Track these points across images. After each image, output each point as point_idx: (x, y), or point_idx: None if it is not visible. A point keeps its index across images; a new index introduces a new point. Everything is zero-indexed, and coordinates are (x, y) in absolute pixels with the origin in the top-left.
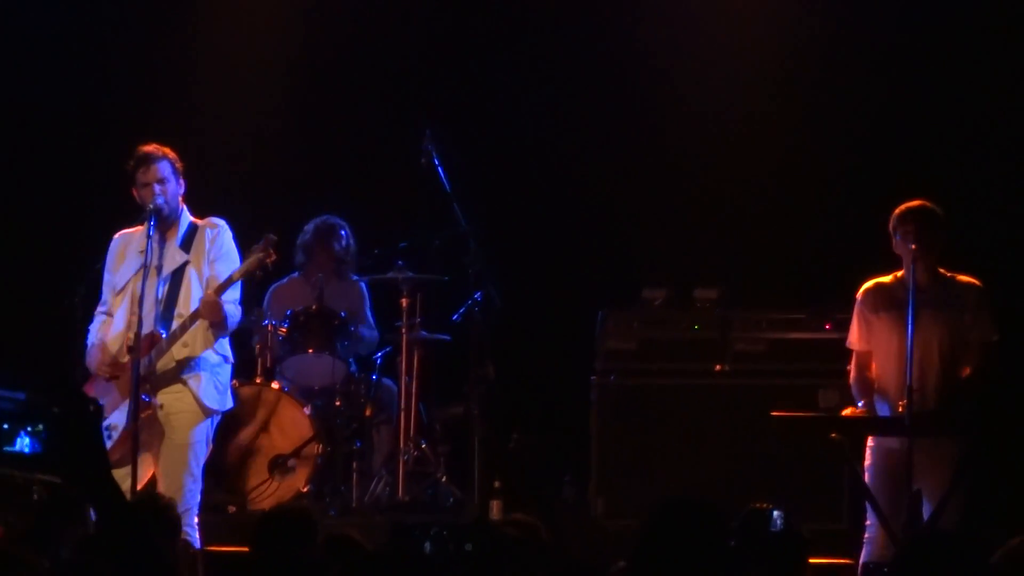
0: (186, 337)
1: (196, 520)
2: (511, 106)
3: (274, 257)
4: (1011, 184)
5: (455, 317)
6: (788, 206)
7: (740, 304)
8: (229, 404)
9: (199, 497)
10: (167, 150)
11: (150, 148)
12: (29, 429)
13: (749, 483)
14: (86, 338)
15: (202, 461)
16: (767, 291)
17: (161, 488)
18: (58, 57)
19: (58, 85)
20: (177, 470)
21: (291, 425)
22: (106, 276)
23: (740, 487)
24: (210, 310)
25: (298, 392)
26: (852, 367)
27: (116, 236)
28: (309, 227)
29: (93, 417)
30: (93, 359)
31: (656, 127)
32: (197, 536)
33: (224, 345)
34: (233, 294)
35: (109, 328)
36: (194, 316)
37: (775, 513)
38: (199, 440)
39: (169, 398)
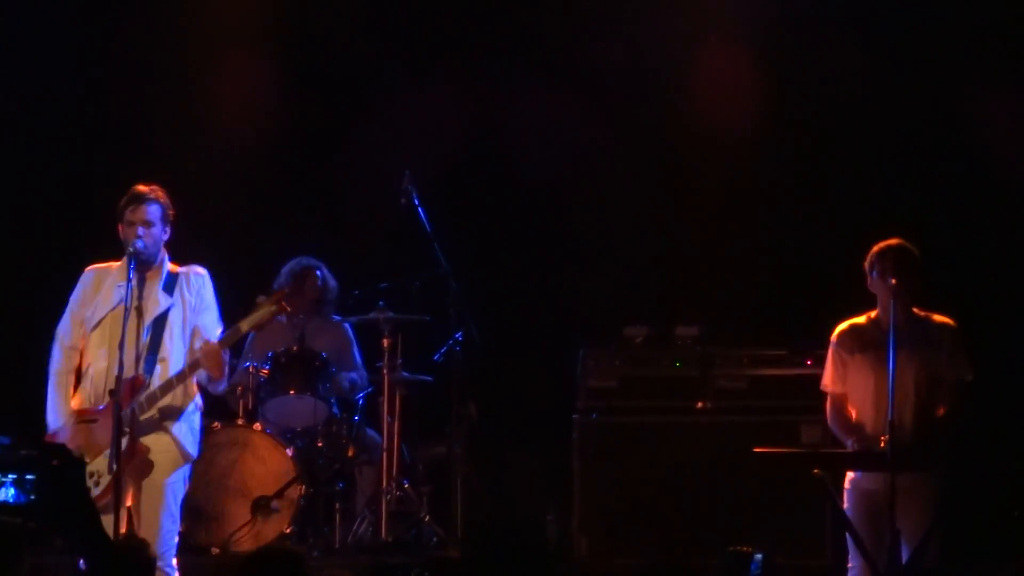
0: (176, 390)
1: (175, 562)
2: (491, 146)
3: (287, 310)
4: (985, 224)
5: (436, 357)
6: (767, 244)
7: (721, 341)
8: (198, 452)
9: (176, 539)
10: (161, 193)
11: (145, 188)
12: (15, 479)
13: (732, 519)
14: (47, 376)
15: (180, 502)
16: (747, 328)
17: (139, 529)
18: (36, 89)
19: (32, 123)
20: (156, 511)
21: (273, 466)
22: (73, 308)
23: (723, 523)
24: (212, 360)
25: (280, 433)
26: (828, 408)
27: (88, 270)
28: (284, 270)
29: (78, 467)
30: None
31: (637, 167)
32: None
33: (195, 391)
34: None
35: (74, 378)
36: (193, 366)
37: (755, 557)
38: (177, 481)
39: (151, 441)
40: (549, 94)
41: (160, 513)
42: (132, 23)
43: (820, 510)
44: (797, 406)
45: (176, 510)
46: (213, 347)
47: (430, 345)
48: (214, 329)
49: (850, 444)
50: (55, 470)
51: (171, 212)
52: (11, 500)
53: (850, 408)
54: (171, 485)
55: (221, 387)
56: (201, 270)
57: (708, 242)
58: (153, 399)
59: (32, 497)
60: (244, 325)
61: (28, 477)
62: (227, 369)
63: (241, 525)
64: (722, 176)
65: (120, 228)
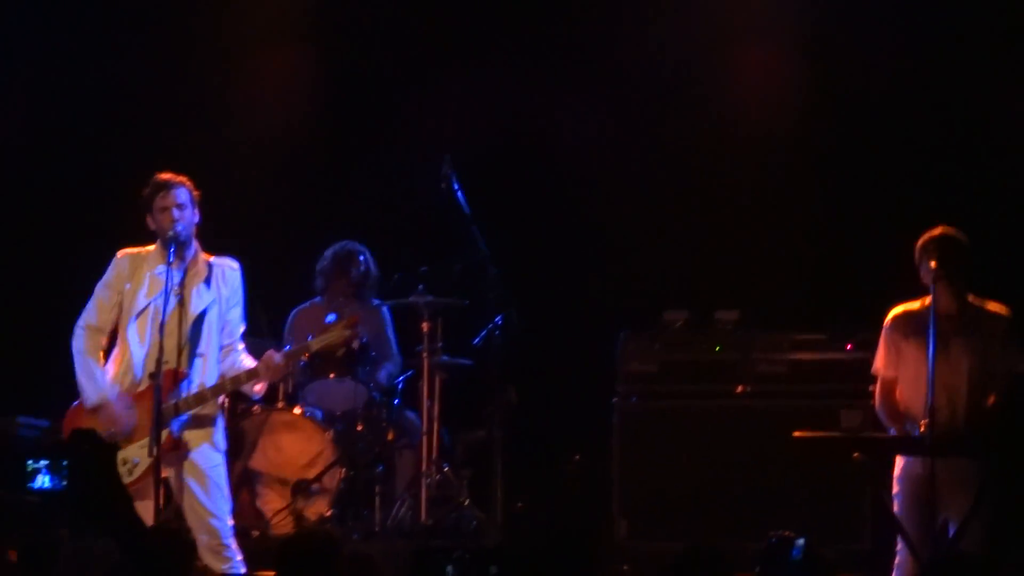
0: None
1: (234, 544)
2: (530, 131)
3: (358, 337)
4: None
5: (476, 341)
6: (809, 227)
7: (761, 325)
8: (225, 445)
9: (231, 521)
10: (184, 178)
11: (167, 175)
12: (50, 465)
13: (771, 504)
14: (73, 358)
15: (226, 482)
16: (788, 312)
17: (190, 515)
18: (66, 79)
19: (64, 115)
20: (204, 492)
21: (313, 450)
22: (102, 290)
23: (762, 508)
24: (273, 374)
25: (320, 417)
26: (877, 393)
27: (121, 254)
28: (328, 253)
29: (108, 452)
30: (108, 412)
31: (676, 150)
32: (239, 558)
33: None
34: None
35: (111, 362)
36: (251, 374)
37: (797, 542)
38: (216, 464)
39: (193, 432)
40: (589, 79)
41: (210, 493)
42: (168, 9)
43: (860, 495)
44: (837, 390)
45: (226, 490)
46: (279, 361)
47: (470, 329)
48: (239, 326)
49: (893, 432)
50: (84, 456)
51: (196, 194)
52: (47, 487)
53: (899, 393)
54: (213, 468)
55: (258, 395)
56: (234, 264)
57: (749, 226)
58: (202, 399)
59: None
60: (314, 344)
61: (63, 463)
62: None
63: (281, 508)
64: (764, 160)
65: (149, 219)
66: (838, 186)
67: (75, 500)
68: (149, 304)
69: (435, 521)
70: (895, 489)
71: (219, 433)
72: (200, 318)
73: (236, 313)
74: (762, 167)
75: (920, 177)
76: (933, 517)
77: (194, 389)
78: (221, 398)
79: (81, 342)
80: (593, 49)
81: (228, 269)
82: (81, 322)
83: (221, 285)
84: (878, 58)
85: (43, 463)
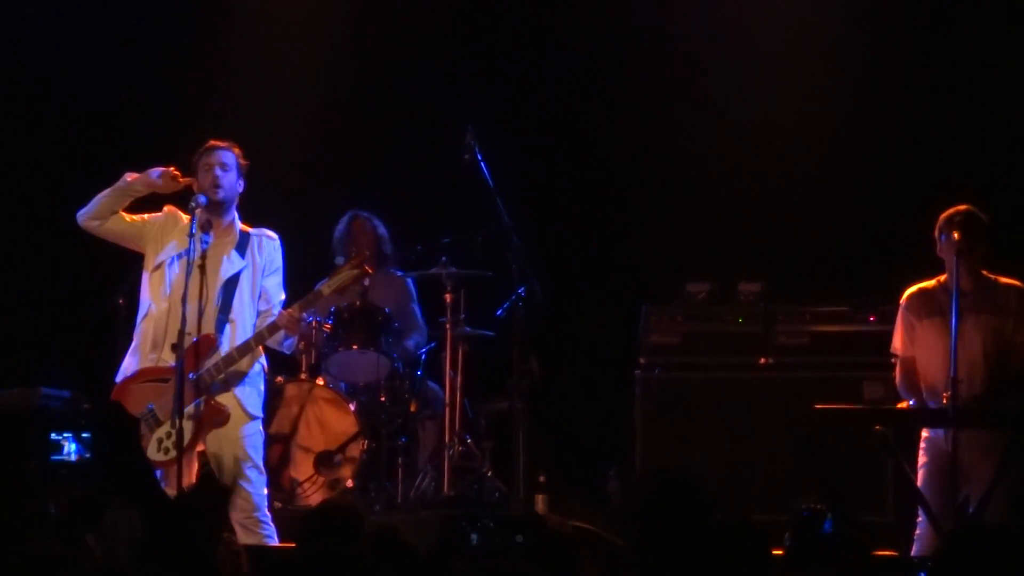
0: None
1: (268, 513)
2: (554, 101)
3: (369, 272)
4: None
5: (499, 312)
6: (832, 199)
7: (783, 297)
8: (262, 413)
9: (266, 490)
10: (236, 147)
11: (220, 141)
12: (74, 436)
13: (793, 475)
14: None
15: (261, 453)
16: (810, 284)
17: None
18: (98, 56)
19: (100, 83)
20: (237, 464)
21: (336, 421)
22: (136, 215)
23: (784, 480)
24: (292, 327)
25: (343, 388)
26: (897, 371)
27: (168, 208)
28: (341, 223)
29: (132, 423)
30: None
31: (700, 122)
32: (273, 531)
33: (261, 353)
34: (279, 295)
35: (136, 335)
36: (272, 328)
37: (828, 515)
38: (252, 433)
39: (222, 400)
40: (613, 51)
41: (243, 466)
42: None
43: (882, 467)
44: (859, 362)
45: (259, 461)
46: (294, 315)
47: (492, 300)
48: (277, 294)
49: (913, 403)
50: (107, 428)
51: (245, 163)
52: (72, 458)
53: (920, 369)
54: (248, 438)
55: (290, 348)
56: (273, 234)
57: (772, 198)
58: (231, 361)
59: (89, 455)
60: (325, 289)
61: (85, 436)
62: (296, 339)
63: (304, 480)
64: (786, 132)
65: (194, 182)
66: (861, 158)
67: (100, 472)
68: (165, 261)
69: (457, 492)
70: (921, 460)
71: (256, 398)
72: (231, 284)
73: (272, 281)
74: (785, 139)
75: (941, 151)
76: (956, 488)
77: (224, 354)
78: (263, 364)
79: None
80: (616, 21)
81: (266, 239)
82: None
83: (256, 254)
84: (905, 30)
85: (67, 435)
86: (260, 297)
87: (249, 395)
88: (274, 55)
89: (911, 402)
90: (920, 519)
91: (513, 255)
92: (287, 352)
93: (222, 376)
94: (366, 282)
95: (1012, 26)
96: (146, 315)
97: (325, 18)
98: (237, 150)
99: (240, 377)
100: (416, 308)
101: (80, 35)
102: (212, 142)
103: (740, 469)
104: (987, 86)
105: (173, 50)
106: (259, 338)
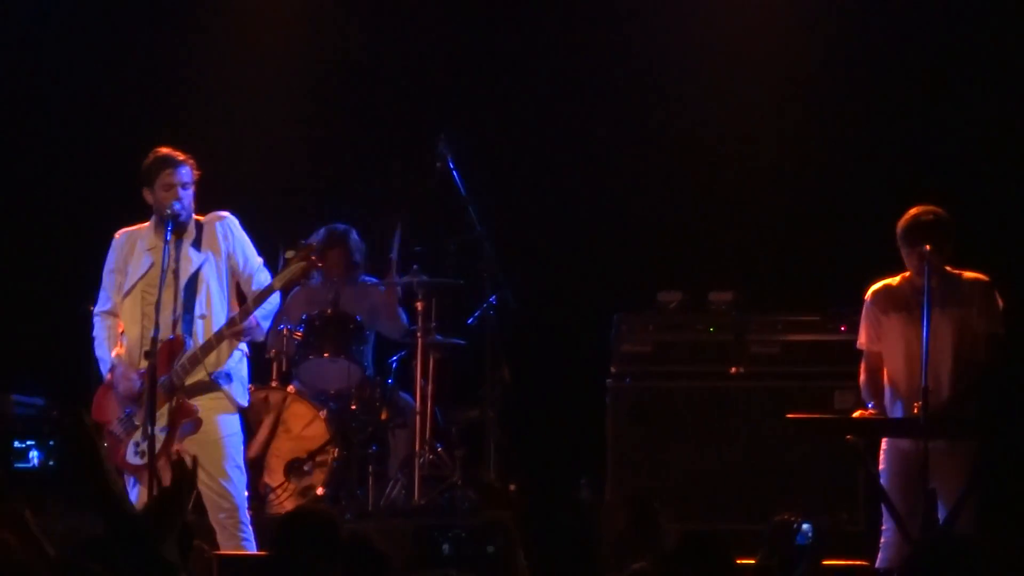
0: (220, 348)
1: (248, 513)
2: (527, 109)
3: (317, 265)
4: (1018, 184)
5: (470, 321)
6: (802, 209)
7: (755, 307)
8: (248, 400)
9: (246, 491)
10: (189, 156)
11: (174, 151)
12: (37, 444)
13: (765, 485)
14: (93, 344)
15: (242, 452)
16: (782, 293)
17: (202, 486)
18: (67, 61)
19: (67, 89)
20: (218, 465)
21: (307, 429)
22: (108, 277)
23: (756, 489)
24: (244, 315)
25: (314, 396)
26: (862, 368)
27: (119, 235)
28: (319, 233)
29: (91, 429)
30: (121, 383)
31: (671, 131)
32: (251, 534)
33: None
34: (273, 302)
35: (119, 337)
36: (231, 322)
37: (804, 526)
38: (233, 433)
39: (203, 401)
40: (585, 59)
41: (224, 465)
42: None
43: (853, 476)
44: (831, 372)
45: (240, 460)
46: (248, 307)
47: (464, 308)
48: (254, 259)
49: (871, 406)
50: (67, 434)
51: (198, 174)
52: (34, 466)
53: (885, 367)
54: (228, 438)
55: (261, 334)
56: (223, 213)
57: (744, 207)
58: (195, 360)
59: (52, 463)
60: (276, 283)
61: (50, 443)
62: (261, 322)
63: (275, 487)
64: (758, 141)
65: (147, 192)
66: (833, 168)
67: (66, 478)
68: (137, 283)
69: (428, 501)
70: (881, 464)
71: (241, 387)
72: (193, 282)
73: (245, 252)
74: (757, 149)
75: (912, 161)
76: (922, 497)
77: (189, 353)
78: (244, 351)
79: (95, 329)
80: (590, 29)
81: (217, 223)
82: (96, 309)
83: (213, 242)
84: (870, 32)
85: (30, 442)
86: (250, 284)
87: (235, 386)
88: (245, 65)
89: (869, 404)
90: (885, 528)
91: (485, 263)
92: (259, 338)
93: (200, 376)
94: (316, 280)
95: (973, 35)
96: (122, 340)
97: (297, 28)
98: (192, 161)
99: (225, 370)
100: (400, 310)
101: (48, 39)
102: (166, 152)
103: (712, 478)
104: (950, 89)
105: (143, 59)
106: (219, 336)
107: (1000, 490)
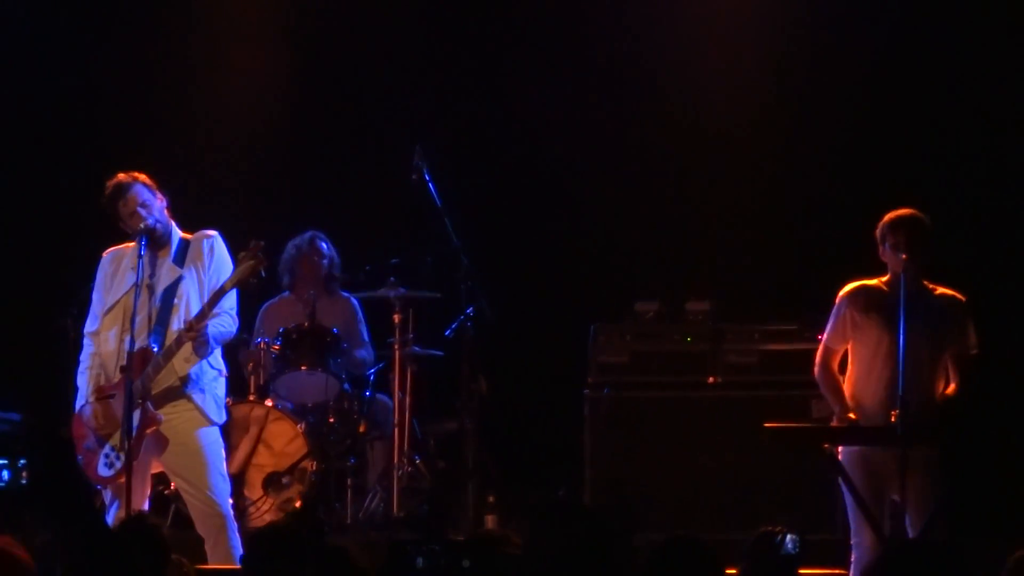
0: (186, 351)
1: (230, 501)
2: (501, 121)
3: (265, 263)
4: (993, 194)
5: (447, 333)
6: (778, 219)
7: (732, 316)
8: (224, 417)
9: (230, 496)
10: (136, 174)
11: (121, 178)
12: (7, 463)
13: (742, 494)
14: (77, 367)
15: (223, 460)
16: (759, 303)
17: (188, 497)
18: (46, 77)
19: (42, 104)
20: (198, 470)
21: (285, 442)
22: (96, 296)
23: (733, 498)
24: (198, 321)
25: (291, 409)
26: (818, 359)
27: (106, 254)
28: (291, 245)
29: (66, 447)
30: (87, 412)
31: (646, 141)
32: (239, 541)
33: (217, 358)
34: (229, 302)
35: (101, 368)
36: (178, 341)
37: (788, 537)
38: (213, 442)
39: (173, 411)
40: (560, 69)
41: (207, 475)
42: (141, 5)
43: (830, 484)
44: (808, 381)
45: (223, 469)
46: (193, 333)
47: (441, 320)
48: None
49: (837, 409)
50: (41, 454)
51: (152, 182)
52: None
53: (852, 368)
54: (208, 447)
55: (208, 354)
56: (211, 232)
57: (720, 217)
58: (158, 367)
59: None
60: (228, 284)
61: (21, 462)
62: (215, 342)
63: (253, 500)
64: (734, 151)
65: (121, 224)
66: (809, 177)
67: (33, 498)
68: (120, 299)
69: (407, 513)
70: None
71: (215, 404)
72: (169, 294)
73: (216, 279)
74: (733, 158)
75: (889, 169)
76: (888, 501)
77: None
78: (220, 369)
79: (82, 352)
80: (564, 41)
81: (204, 240)
82: (85, 329)
83: (196, 258)
84: (848, 41)
85: (3, 461)
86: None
87: (207, 401)
88: (222, 73)
89: (836, 408)
90: (854, 541)
91: (462, 275)
92: (207, 355)
93: (172, 383)
94: (286, 293)
95: (947, 38)
96: (99, 350)
97: (273, 37)
98: (140, 177)
99: (196, 380)
100: (363, 330)
101: (28, 42)
102: (114, 183)
103: (689, 488)
104: (925, 98)
105: (124, 68)
106: (178, 342)
107: (970, 497)
